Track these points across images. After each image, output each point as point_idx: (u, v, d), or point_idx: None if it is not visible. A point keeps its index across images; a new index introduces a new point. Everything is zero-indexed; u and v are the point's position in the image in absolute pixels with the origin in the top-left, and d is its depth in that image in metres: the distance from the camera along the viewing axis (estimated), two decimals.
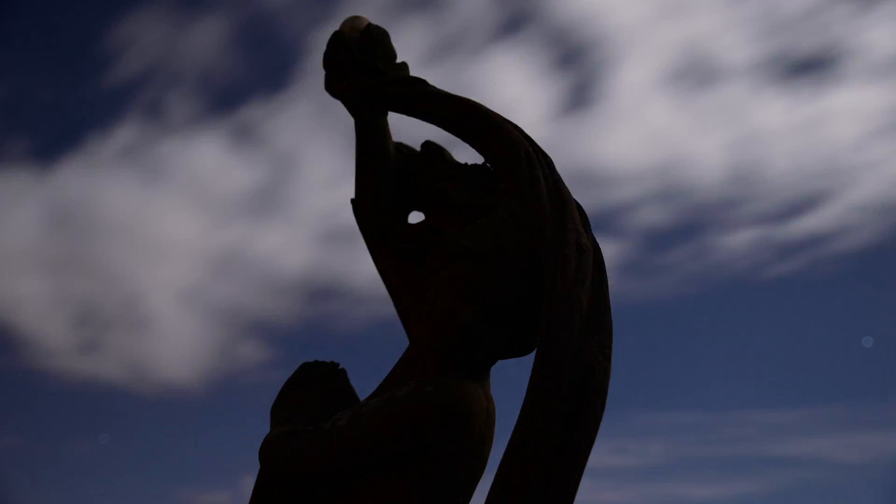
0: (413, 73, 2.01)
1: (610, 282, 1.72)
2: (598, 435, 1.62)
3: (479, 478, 1.74)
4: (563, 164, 1.82)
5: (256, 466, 1.85)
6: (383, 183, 2.06)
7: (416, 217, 2.10)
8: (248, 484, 1.89)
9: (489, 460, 1.73)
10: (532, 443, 1.56)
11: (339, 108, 2.08)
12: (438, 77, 1.93)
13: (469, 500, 1.75)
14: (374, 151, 2.05)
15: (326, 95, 2.07)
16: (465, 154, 2.01)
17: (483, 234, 1.79)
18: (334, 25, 2.07)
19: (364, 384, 1.96)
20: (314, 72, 2.09)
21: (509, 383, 1.84)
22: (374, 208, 2.06)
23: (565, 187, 1.79)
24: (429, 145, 2.08)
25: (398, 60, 2.03)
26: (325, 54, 2.04)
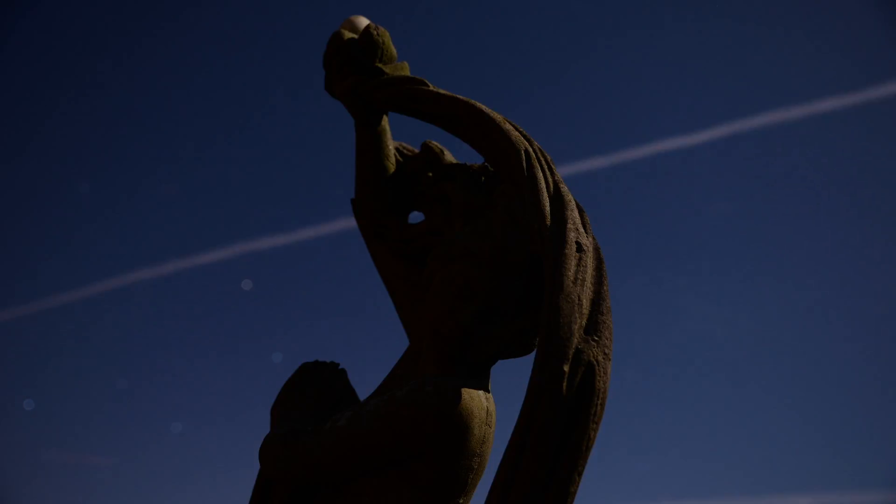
0: None
1: (609, 280, 1.72)
2: (598, 435, 1.62)
3: (480, 478, 1.74)
4: None
5: None
6: (383, 183, 2.06)
7: (416, 217, 2.10)
8: None
9: (489, 460, 1.73)
10: (532, 442, 1.56)
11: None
12: None
13: (469, 499, 1.74)
14: (374, 152, 2.05)
15: None
16: (465, 154, 2.01)
17: (483, 234, 1.78)
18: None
19: (363, 383, 1.96)
20: None
21: (509, 383, 1.84)
22: (375, 208, 2.06)
23: (565, 187, 1.79)
24: (429, 145, 2.08)
25: (398, 61, 2.03)
26: (326, 54, 2.04)
